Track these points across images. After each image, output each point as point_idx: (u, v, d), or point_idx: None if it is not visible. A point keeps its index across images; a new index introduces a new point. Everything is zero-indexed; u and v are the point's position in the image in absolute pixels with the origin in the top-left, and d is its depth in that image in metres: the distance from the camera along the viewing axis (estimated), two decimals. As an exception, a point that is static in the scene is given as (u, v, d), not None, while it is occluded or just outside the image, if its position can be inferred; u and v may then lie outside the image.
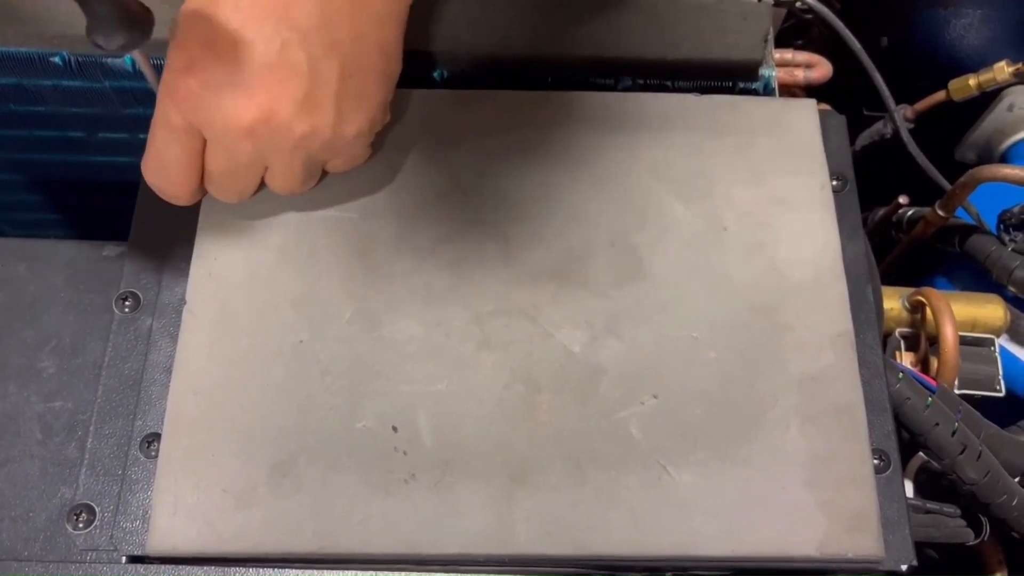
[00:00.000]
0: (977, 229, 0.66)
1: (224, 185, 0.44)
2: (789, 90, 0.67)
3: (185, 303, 0.45)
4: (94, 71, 0.54)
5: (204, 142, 0.42)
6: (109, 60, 0.53)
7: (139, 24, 0.37)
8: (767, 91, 0.55)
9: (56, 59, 0.53)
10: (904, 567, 0.42)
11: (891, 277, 0.67)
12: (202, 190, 0.45)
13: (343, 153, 0.45)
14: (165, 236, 0.48)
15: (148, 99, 0.53)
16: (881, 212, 0.75)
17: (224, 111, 0.40)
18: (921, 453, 0.53)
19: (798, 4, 0.72)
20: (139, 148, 0.51)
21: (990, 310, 0.63)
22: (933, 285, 0.67)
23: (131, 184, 0.50)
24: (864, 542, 0.41)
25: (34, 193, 0.67)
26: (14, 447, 0.45)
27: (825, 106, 0.54)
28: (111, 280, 0.47)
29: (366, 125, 0.44)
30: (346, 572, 0.41)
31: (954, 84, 0.72)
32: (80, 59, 0.53)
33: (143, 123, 0.52)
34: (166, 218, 0.48)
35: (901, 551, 0.42)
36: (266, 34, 0.40)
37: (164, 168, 0.43)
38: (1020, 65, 0.68)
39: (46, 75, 0.54)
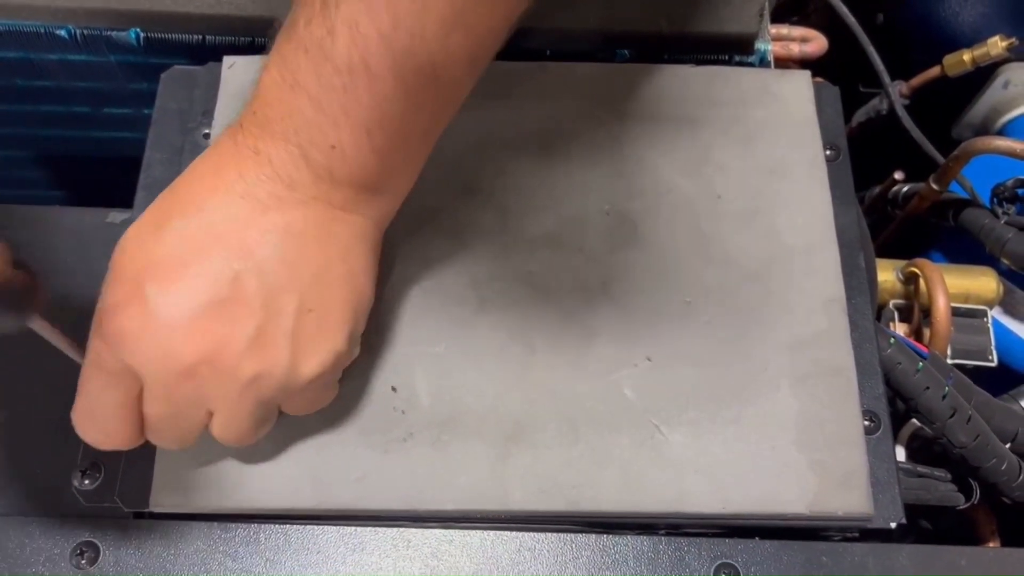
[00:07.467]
0: (971, 202, 0.66)
1: (163, 432, 0.39)
2: (785, 64, 0.67)
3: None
4: (99, 45, 0.55)
5: (141, 386, 0.37)
6: (114, 34, 0.54)
7: (18, 303, 0.35)
8: (763, 65, 0.56)
9: (62, 32, 0.53)
10: (893, 524, 0.43)
11: (887, 253, 0.67)
12: (142, 436, 0.39)
13: (300, 396, 0.40)
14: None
15: (153, 74, 0.54)
16: (877, 189, 0.76)
17: (162, 350, 0.36)
18: (914, 420, 0.53)
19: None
20: (144, 123, 0.52)
21: (983, 282, 0.63)
22: (928, 259, 0.67)
23: (136, 159, 0.51)
24: (853, 500, 0.42)
25: (39, 168, 0.68)
26: (20, 406, 0.46)
27: (820, 80, 0.54)
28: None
29: (326, 366, 0.38)
30: (345, 528, 0.42)
31: (949, 59, 0.73)
32: (85, 32, 0.54)
33: (148, 98, 0.53)
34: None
35: (890, 510, 0.43)
36: (215, 266, 0.36)
37: (97, 418, 0.38)
38: (1013, 40, 0.68)
39: (52, 49, 0.55)
